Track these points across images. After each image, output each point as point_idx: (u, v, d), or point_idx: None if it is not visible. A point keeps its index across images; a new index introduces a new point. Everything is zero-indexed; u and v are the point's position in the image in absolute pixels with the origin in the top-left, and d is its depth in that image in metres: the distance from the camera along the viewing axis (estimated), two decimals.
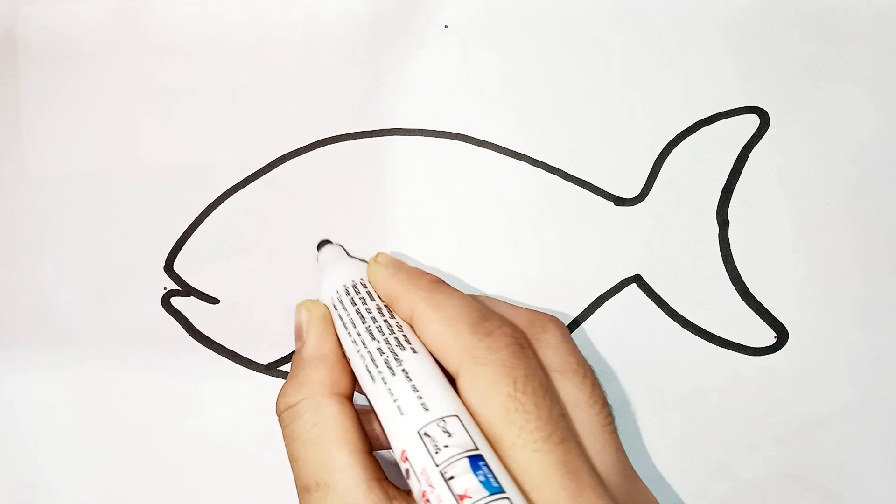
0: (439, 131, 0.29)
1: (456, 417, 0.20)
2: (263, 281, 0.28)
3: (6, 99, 0.29)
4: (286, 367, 0.28)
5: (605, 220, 0.29)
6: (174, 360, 0.28)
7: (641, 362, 0.28)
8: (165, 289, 0.28)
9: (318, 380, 0.23)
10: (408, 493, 0.20)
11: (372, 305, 0.23)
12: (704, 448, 0.27)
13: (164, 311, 0.28)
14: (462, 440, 0.20)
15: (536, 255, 0.28)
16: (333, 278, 0.25)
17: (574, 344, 0.24)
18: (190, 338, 0.28)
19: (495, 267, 0.28)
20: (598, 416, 0.22)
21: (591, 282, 0.28)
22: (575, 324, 0.28)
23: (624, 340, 0.28)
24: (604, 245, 0.29)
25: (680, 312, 0.28)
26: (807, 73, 0.29)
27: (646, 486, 0.23)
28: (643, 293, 0.28)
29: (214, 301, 0.28)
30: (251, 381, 0.28)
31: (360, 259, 0.26)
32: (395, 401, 0.21)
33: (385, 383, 0.21)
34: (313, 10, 0.30)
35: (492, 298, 0.25)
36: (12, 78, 0.29)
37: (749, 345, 0.28)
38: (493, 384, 0.20)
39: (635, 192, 0.29)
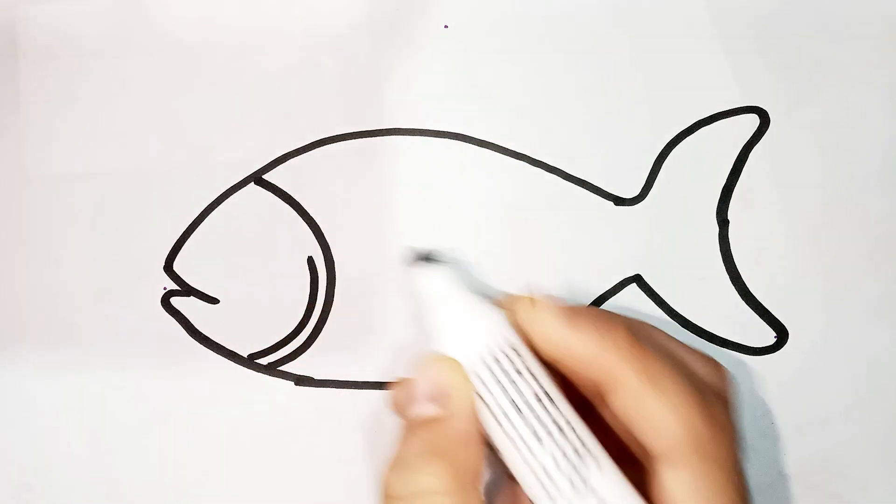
0: (439, 131, 0.29)
1: None
2: (263, 281, 0.28)
3: (6, 99, 0.29)
4: (286, 368, 0.28)
5: (605, 220, 0.29)
6: (174, 360, 0.28)
7: None
8: (165, 289, 0.28)
9: (458, 471, 0.19)
10: None
11: (528, 389, 0.19)
12: None
13: (163, 311, 0.28)
14: None
15: (536, 255, 0.28)
16: (468, 335, 0.20)
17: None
18: (190, 338, 0.28)
19: (495, 267, 0.28)
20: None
21: (591, 282, 0.28)
22: None
23: None
24: (604, 245, 0.29)
25: (680, 312, 0.28)
26: (807, 73, 0.29)
27: None
28: (643, 293, 0.28)
29: (214, 301, 0.28)
30: (251, 381, 0.28)
31: (486, 297, 0.21)
32: None
33: None
34: (313, 10, 0.30)
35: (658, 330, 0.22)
36: (12, 78, 0.29)
37: (749, 345, 0.28)
38: (720, 488, 0.18)
39: (635, 192, 0.29)
